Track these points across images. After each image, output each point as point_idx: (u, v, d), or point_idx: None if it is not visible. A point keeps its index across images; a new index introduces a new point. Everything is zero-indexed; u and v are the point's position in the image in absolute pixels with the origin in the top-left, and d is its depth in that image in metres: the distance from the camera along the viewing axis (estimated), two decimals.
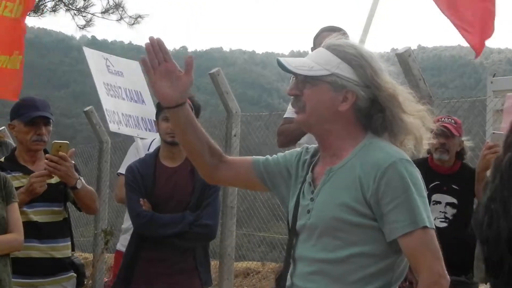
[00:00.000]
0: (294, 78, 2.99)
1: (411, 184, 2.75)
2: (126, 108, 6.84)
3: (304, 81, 2.91)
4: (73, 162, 5.13)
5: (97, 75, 6.83)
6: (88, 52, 7.01)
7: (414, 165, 2.82)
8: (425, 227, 2.75)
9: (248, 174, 3.16)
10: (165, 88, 2.98)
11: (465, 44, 6.75)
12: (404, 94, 2.89)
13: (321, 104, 2.87)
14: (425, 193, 2.82)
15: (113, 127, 6.82)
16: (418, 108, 2.92)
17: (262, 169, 3.14)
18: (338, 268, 2.79)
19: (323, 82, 2.86)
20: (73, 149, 5.18)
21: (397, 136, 2.89)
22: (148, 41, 2.96)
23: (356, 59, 2.86)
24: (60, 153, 4.99)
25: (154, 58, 2.96)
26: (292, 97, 2.99)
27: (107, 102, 6.75)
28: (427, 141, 2.93)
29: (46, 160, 4.99)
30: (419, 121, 2.89)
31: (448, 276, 2.80)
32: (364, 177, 2.78)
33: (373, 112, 2.88)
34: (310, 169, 3.01)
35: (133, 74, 7.09)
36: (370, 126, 2.91)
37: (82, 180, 5.19)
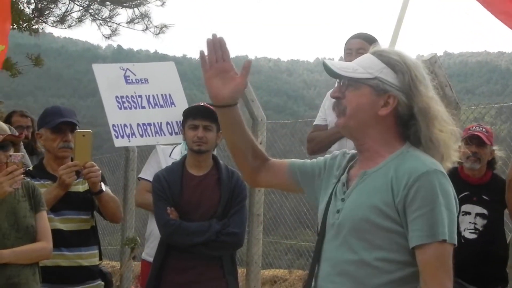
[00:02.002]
0: (339, 82, 2.99)
1: (440, 196, 2.72)
2: (145, 117, 6.85)
3: (347, 84, 2.91)
4: (105, 185, 5.21)
5: (107, 91, 6.82)
6: (98, 69, 7.00)
7: (448, 178, 2.79)
8: (444, 240, 2.70)
9: (284, 177, 3.19)
10: (218, 86, 2.97)
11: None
12: (437, 109, 2.87)
13: (361, 107, 2.87)
14: (455, 209, 2.77)
15: (119, 142, 6.82)
16: (448, 128, 2.89)
17: (297, 172, 3.17)
18: (362, 271, 2.77)
19: (365, 85, 2.87)
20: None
21: (427, 150, 2.86)
22: (210, 37, 2.95)
23: (399, 65, 2.86)
24: (88, 163, 5.04)
25: (213, 54, 2.95)
26: (334, 100, 2.99)
27: (116, 117, 6.75)
28: (451, 162, 2.90)
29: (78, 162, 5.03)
30: (447, 139, 2.87)
31: None
32: (396, 182, 2.76)
33: (411, 121, 2.87)
34: (346, 170, 3.01)
35: (162, 77, 7.10)
36: (408, 135, 2.90)
37: (104, 186, 5.24)
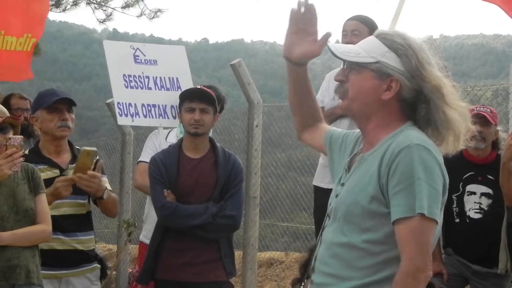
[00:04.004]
0: (343, 65, 3.00)
1: (420, 170, 2.71)
2: (150, 98, 6.84)
3: (350, 68, 2.92)
4: (102, 175, 5.16)
5: (115, 68, 6.82)
6: (109, 45, 7.00)
7: (433, 154, 2.78)
8: (422, 215, 2.69)
9: (319, 143, 3.29)
10: (294, 42, 3.07)
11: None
12: (448, 88, 2.88)
13: (364, 91, 2.88)
14: (439, 185, 2.77)
15: (123, 121, 6.83)
16: (461, 104, 2.90)
17: (328, 141, 3.25)
18: (350, 253, 2.82)
19: (367, 69, 2.87)
20: (102, 161, 5.19)
21: (439, 131, 2.86)
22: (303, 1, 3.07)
23: (403, 49, 2.86)
24: (89, 172, 4.95)
25: (300, 13, 3.05)
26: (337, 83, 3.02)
27: (122, 95, 6.75)
28: (465, 140, 2.90)
29: (76, 177, 4.95)
30: (461, 117, 2.87)
31: (430, 272, 2.75)
32: (383, 163, 2.78)
33: (418, 104, 2.87)
34: (352, 156, 3.05)
35: (171, 61, 7.09)
36: (414, 118, 2.90)
37: (108, 187, 5.19)
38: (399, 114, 2.91)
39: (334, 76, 3.02)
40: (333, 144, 3.21)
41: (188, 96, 5.35)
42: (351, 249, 2.82)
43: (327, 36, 3.02)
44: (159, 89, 6.95)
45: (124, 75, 6.82)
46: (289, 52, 3.09)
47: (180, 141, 5.40)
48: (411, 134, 2.82)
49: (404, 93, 2.86)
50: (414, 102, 2.88)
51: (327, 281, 2.89)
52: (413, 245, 2.70)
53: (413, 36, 2.95)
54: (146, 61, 6.98)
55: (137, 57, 6.96)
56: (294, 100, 3.28)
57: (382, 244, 2.78)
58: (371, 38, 2.96)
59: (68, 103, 5.18)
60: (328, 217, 3.02)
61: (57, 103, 5.12)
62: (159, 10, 15.97)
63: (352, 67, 2.91)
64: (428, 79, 2.84)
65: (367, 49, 2.90)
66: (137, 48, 7.00)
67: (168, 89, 6.96)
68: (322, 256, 2.94)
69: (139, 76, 6.88)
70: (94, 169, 5.00)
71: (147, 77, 6.92)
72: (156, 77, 6.97)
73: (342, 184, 2.95)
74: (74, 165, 5.06)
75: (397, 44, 2.86)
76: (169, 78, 7.01)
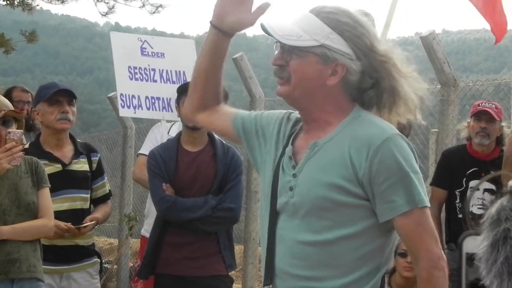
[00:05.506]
0: (279, 46, 2.73)
1: (404, 161, 2.58)
2: (155, 90, 6.82)
3: (290, 51, 2.67)
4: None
5: (121, 60, 6.80)
6: (116, 37, 6.99)
7: (406, 139, 2.65)
8: (423, 207, 2.61)
9: (225, 127, 2.97)
10: (228, 10, 2.76)
11: (489, 27, 6.76)
12: (399, 56, 2.70)
13: (308, 77, 2.65)
14: (418, 169, 2.65)
15: (124, 112, 6.81)
16: (410, 69, 2.72)
17: (240, 127, 2.94)
18: (326, 251, 2.62)
19: (311, 53, 2.64)
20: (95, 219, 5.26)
21: (386, 107, 2.70)
22: None
23: (351, 30, 2.63)
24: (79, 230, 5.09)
25: None
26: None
27: (126, 87, 6.72)
28: (415, 110, 2.73)
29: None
30: (413, 85, 2.70)
31: (444, 256, 2.68)
32: (355, 154, 2.60)
33: (364, 85, 2.69)
34: (290, 141, 2.80)
35: (179, 54, 7.05)
36: (359, 99, 2.72)
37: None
38: (346, 97, 2.71)
39: (272, 61, 2.74)
40: (248, 129, 2.92)
41: (186, 90, 5.32)
42: (326, 247, 2.62)
43: (265, 6, 2.72)
44: (164, 82, 6.93)
45: (129, 67, 6.81)
46: (220, 19, 2.77)
47: (179, 135, 5.38)
48: (381, 123, 2.67)
49: (349, 77, 2.65)
50: (358, 84, 2.68)
51: (301, 284, 2.66)
52: (426, 236, 2.62)
53: (353, 10, 2.72)
54: (153, 54, 6.96)
55: (144, 50, 6.94)
56: (203, 74, 2.91)
57: (363, 238, 2.62)
58: (311, 16, 2.69)
59: (69, 96, 5.16)
60: (278, 213, 2.73)
61: (57, 95, 5.10)
62: (161, 6, 16.00)
63: (293, 51, 2.66)
64: (383, 52, 2.65)
65: (308, 31, 2.64)
66: (145, 41, 6.99)
67: (174, 82, 6.94)
68: (284, 255, 2.69)
69: (145, 69, 6.87)
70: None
71: (153, 69, 6.91)
72: (163, 70, 6.95)
73: (294, 175, 2.70)
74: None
75: (343, 25, 2.64)
76: (175, 71, 6.99)
